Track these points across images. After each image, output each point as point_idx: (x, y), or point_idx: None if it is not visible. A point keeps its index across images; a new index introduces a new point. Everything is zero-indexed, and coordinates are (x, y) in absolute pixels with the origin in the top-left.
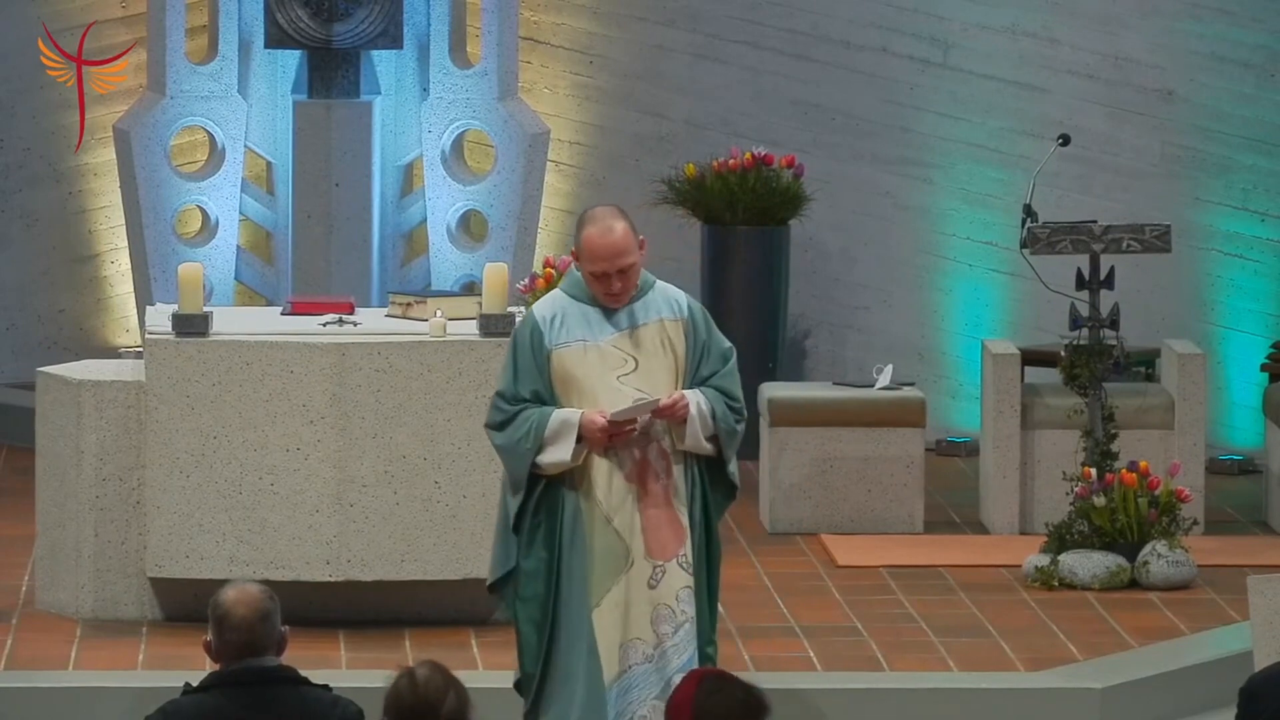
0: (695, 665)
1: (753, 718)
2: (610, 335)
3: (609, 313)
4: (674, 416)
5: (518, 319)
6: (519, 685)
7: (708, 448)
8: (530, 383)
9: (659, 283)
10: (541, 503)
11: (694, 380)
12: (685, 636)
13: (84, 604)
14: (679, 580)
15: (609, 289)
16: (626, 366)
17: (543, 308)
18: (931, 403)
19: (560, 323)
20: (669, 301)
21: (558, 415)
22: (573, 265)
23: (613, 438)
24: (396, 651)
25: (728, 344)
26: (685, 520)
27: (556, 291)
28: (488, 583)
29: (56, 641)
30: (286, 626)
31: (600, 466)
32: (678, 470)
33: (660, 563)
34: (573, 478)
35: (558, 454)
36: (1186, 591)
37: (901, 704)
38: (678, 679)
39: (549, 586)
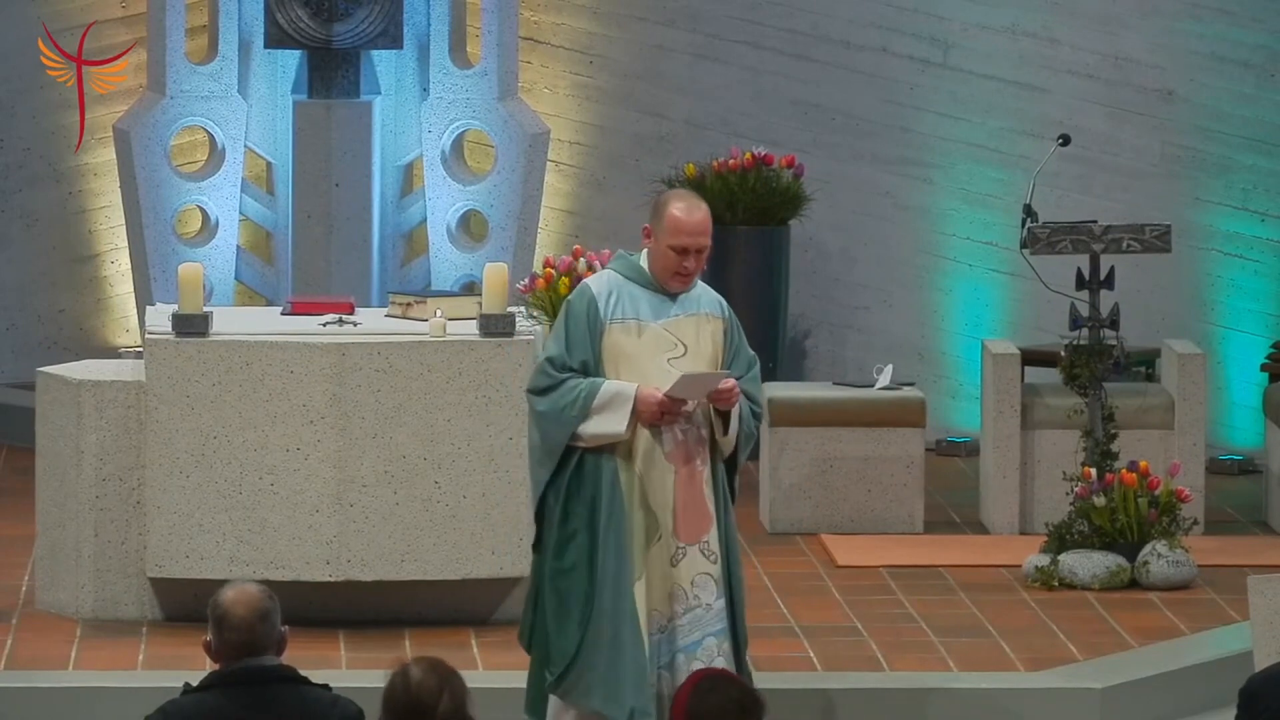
0: (698, 651)
1: (747, 717)
2: (663, 319)
3: (660, 298)
4: (729, 400)
5: (519, 318)
6: (529, 648)
7: (731, 445)
8: (581, 353)
9: (701, 282)
10: (576, 473)
11: None
12: (692, 621)
13: (84, 604)
14: (698, 565)
15: (682, 265)
16: (677, 350)
17: (598, 284)
18: (931, 403)
19: (615, 300)
20: (714, 301)
21: (610, 386)
22: (620, 251)
23: (664, 415)
24: (396, 651)
25: (753, 353)
26: (713, 509)
27: (608, 271)
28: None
29: (56, 641)
30: (286, 626)
31: (642, 441)
32: (710, 460)
33: (684, 545)
34: (612, 449)
35: (608, 425)
36: (1186, 591)
37: (901, 704)
38: (681, 658)
39: (591, 554)
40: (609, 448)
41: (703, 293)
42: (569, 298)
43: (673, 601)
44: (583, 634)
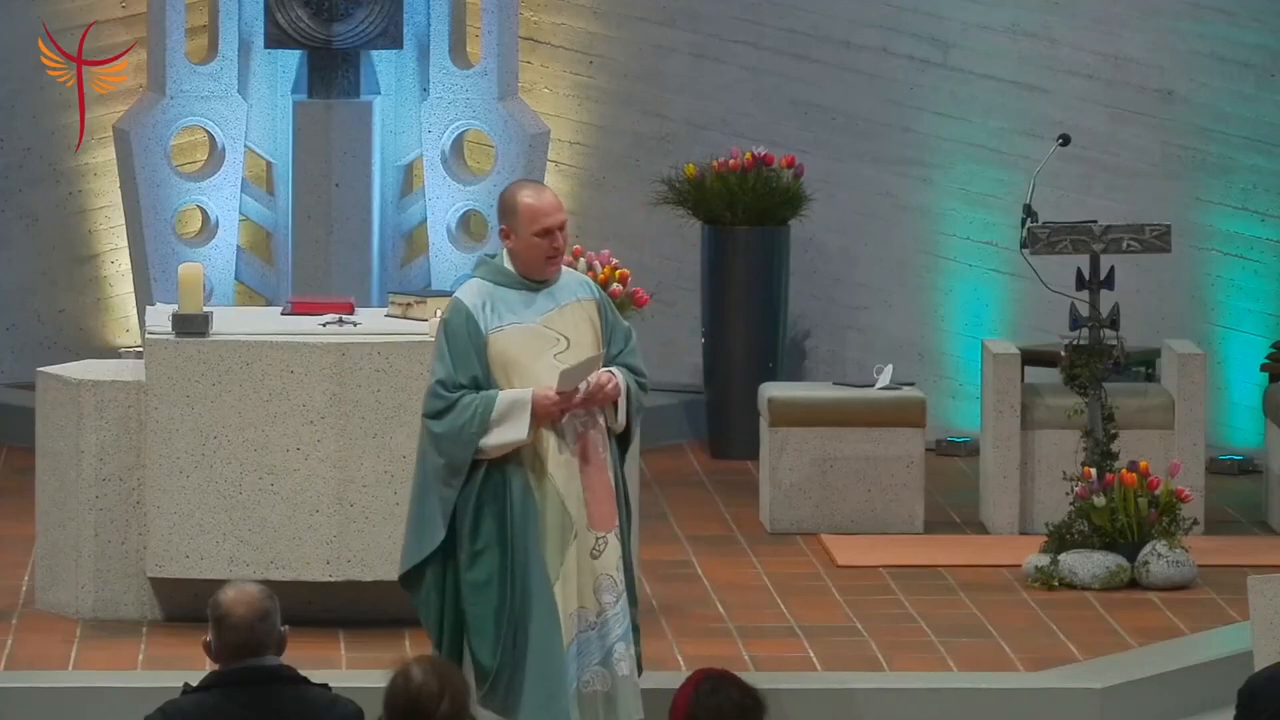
0: (631, 634)
1: (748, 718)
2: (540, 316)
3: (532, 296)
4: (614, 394)
5: None
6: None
7: (623, 423)
8: (468, 369)
9: (564, 267)
10: (484, 486)
11: (607, 359)
12: (623, 607)
13: (84, 604)
14: (616, 551)
15: (552, 247)
16: (560, 345)
17: (469, 296)
18: (931, 403)
19: (490, 308)
20: (581, 284)
21: (505, 396)
22: (482, 255)
23: (562, 411)
24: (396, 652)
25: (627, 324)
26: (614, 492)
27: (476, 280)
28: (399, 574)
29: (56, 641)
30: (286, 626)
31: (548, 441)
32: (608, 445)
33: (602, 534)
34: (519, 455)
35: (511, 433)
36: (1186, 591)
37: (901, 704)
38: (619, 646)
39: (504, 566)
40: (512, 456)
41: (568, 278)
42: (445, 316)
43: (602, 593)
44: (500, 648)
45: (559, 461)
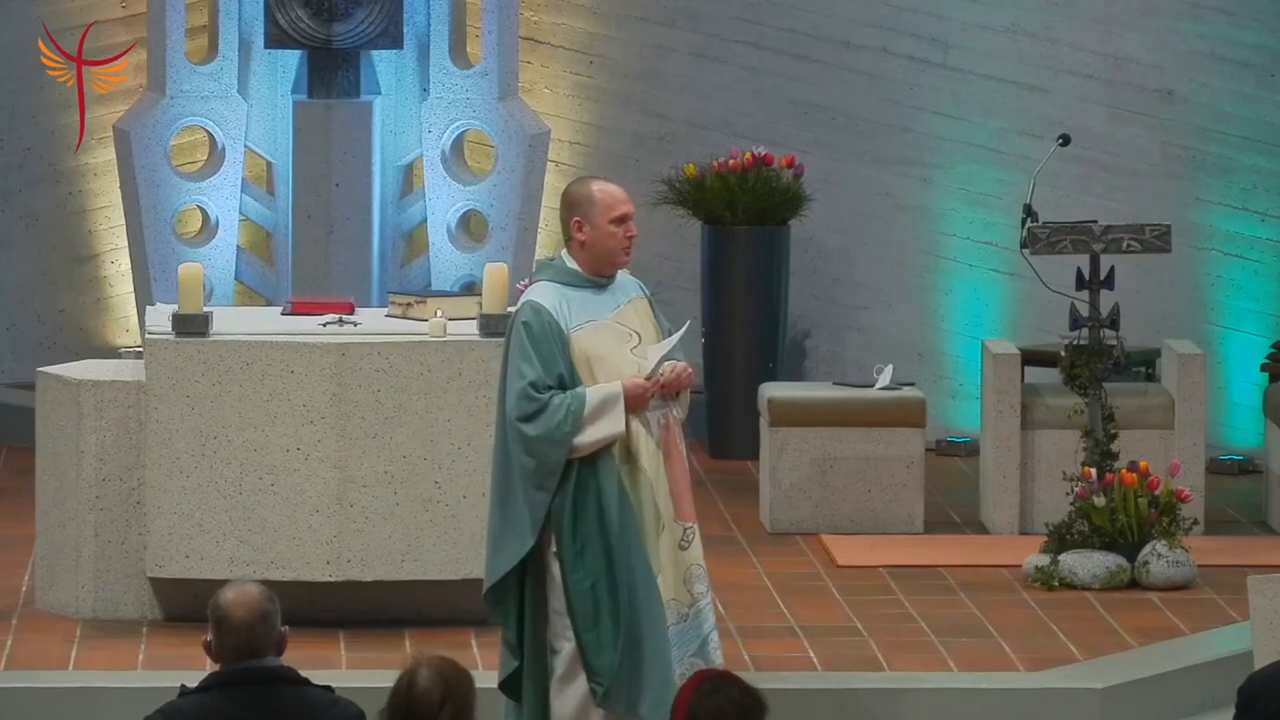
0: (715, 629)
1: (748, 718)
2: (610, 312)
3: (599, 294)
4: (686, 384)
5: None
6: (508, 685)
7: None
8: (555, 368)
9: None
10: (577, 485)
11: None
12: (710, 600)
13: (84, 604)
14: (701, 542)
15: (627, 235)
16: (633, 340)
17: (545, 298)
18: (931, 403)
19: (567, 308)
20: (633, 283)
21: (594, 393)
22: (540, 260)
23: (648, 396)
24: (396, 651)
25: (669, 326)
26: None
27: (545, 283)
28: (484, 589)
29: (56, 641)
30: (287, 627)
31: (638, 435)
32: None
33: (689, 524)
34: (610, 450)
35: (606, 429)
36: (1186, 591)
37: (901, 704)
38: (714, 635)
39: (608, 563)
40: (602, 452)
41: (623, 279)
42: (523, 319)
43: (693, 583)
44: (620, 642)
45: (649, 454)
